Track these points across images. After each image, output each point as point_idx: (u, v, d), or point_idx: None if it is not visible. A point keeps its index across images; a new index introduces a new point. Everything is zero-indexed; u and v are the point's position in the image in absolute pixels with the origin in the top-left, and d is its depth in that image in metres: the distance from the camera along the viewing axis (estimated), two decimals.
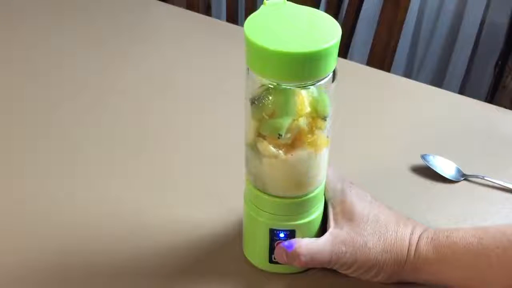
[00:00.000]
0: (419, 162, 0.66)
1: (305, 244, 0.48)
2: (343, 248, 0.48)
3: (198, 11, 1.19)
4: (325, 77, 0.43)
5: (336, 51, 0.42)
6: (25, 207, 0.60)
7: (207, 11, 1.48)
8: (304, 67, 0.41)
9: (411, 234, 0.49)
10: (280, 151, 0.45)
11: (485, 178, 0.64)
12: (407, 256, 0.48)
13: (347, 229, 0.49)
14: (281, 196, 0.48)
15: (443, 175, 0.64)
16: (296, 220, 0.50)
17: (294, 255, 0.48)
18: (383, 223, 0.49)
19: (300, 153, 0.46)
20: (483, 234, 0.47)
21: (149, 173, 0.65)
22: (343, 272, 0.50)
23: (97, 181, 0.63)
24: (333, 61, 0.42)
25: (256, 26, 0.42)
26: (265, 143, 0.46)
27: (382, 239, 0.48)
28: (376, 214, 0.50)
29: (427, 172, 0.65)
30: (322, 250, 0.48)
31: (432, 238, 0.48)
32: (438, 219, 0.59)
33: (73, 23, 0.93)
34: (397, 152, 0.68)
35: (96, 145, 0.68)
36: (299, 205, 0.49)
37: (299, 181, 0.47)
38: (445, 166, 0.65)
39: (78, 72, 0.81)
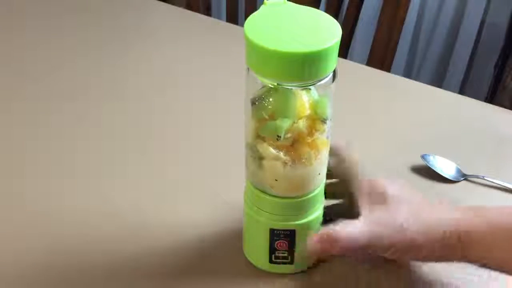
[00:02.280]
0: (419, 162, 0.66)
1: (343, 229, 0.46)
2: (380, 229, 0.46)
3: (198, 11, 1.19)
4: (325, 77, 0.43)
5: (336, 51, 0.42)
6: (24, 207, 0.60)
7: (207, 11, 1.48)
8: (304, 67, 0.41)
9: (448, 213, 0.47)
10: (280, 153, 0.45)
11: (485, 178, 0.64)
12: (443, 236, 0.45)
13: (380, 212, 0.47)
14: (281, 196, 0.48)
15: (443, 175, 0.64)
16: (296, 220, 0.49)
17: (332, 241, 0.45)
18: (416, 204, 0.48)
19: (299, 155, 0.46)
20: None
21: (149, 173, 0.64)
22: (381, 254, 0.47)
23: (97, 180, 0.63)
24: (333, 61, 0.42)
25: (256, 26, 0.42)
26: (265, 144, 0.45)
27: (418, 220, 0.46)
28: (408, 196, 0.48)
29: (427, 172, 0.65)
30: (360, 235, 0.46)
31: (473, 215, 0.46)
32: None
33: (73, 23, 0.93)
34: (397, 152, 0.68)
35: (96, 145, 0.68)
36: (299, 205, 0.49)
37: (299, 182, 0.47)
38: (445, 166, 0.65)
39: (78, 72, 0.81)
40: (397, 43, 1.03)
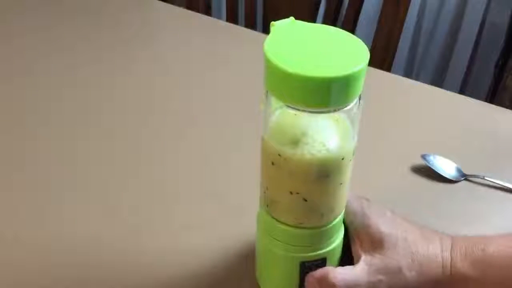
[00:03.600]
0: (419, 162, 0.66)
1: (340, 274, 0.45)
2: (379, 277, 0.46)
3: (198, 11, 1.19)
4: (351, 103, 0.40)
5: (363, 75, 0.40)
6: (24, 207, 0.60)
7: (207, 11, 1.48)
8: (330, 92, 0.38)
9: (442, 251, 0.47)
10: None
11: (485, 178, 0.64)
12: (442, 275, 0.46)
13: (378, 255, 0.47)
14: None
15: (443, 175, 0.64)
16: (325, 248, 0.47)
17: (329, 286, 0.45)
18: (412, 242, 0.47)
19: None
20: None
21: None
22: None
23: (97, 182, 0.63)
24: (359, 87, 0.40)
25: (277, 47, 0.39)
26: None
27: (416, 261, 0.47)
28: (402, 233, 0.48)
29: (427, 172, 0.65)
30: (358, 281, 0.46)
31: (465, 253, 0.46)
32: (438, 219, 0.59)
33: (73, 23, 0.93)
34: (397, 152, 0.68)
35: (96, 145, 0.68)
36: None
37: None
38: (445, 166, 0.65)
39: (78, 72, 0.81)
40: (397, 43, 1.03)
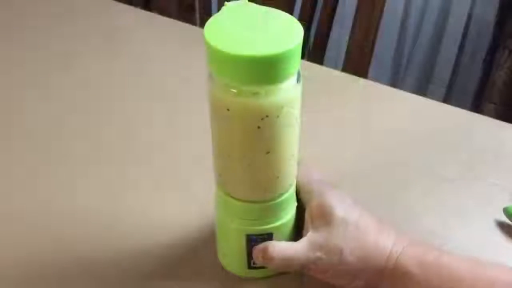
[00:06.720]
0: (420, 162, 0.65)
1: (279, 249, 0.47)
2: (319, 254, 0.47)
3: (198, 11, 1.18)
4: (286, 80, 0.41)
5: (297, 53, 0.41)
6: (24, 209, 0.60)
7: (207, 10, 1.48)
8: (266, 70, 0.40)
9: (393, 245, 0.47)
10: None
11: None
12: (385, 266, 0.46)
13: (324, 233, 0.47)
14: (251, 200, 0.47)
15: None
16: (272, 223, 0.49)
17: (267, 258, 0.48)
18: (363, 229, 0.47)
19: None
20: (478, 269, 0.44)
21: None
22: (318, 276, 0.49)
23: (93, 181, 0.63)
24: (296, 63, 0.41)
25: (216, 29, 0.41)
26: None
27: (360, 246, 0.47)
28: (356, 219, 0.48)
29: (427, 172, 0.64)
30: (296, 255, 0.47)
31: (417, 253, 0.46)
32: (438, 219, 0.58)
33: (74, 23, 0.92)
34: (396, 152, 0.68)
35: (96, 145, 0.68)
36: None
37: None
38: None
39: (77, 72, 0.81)
40: (374, 44, 1.00)
